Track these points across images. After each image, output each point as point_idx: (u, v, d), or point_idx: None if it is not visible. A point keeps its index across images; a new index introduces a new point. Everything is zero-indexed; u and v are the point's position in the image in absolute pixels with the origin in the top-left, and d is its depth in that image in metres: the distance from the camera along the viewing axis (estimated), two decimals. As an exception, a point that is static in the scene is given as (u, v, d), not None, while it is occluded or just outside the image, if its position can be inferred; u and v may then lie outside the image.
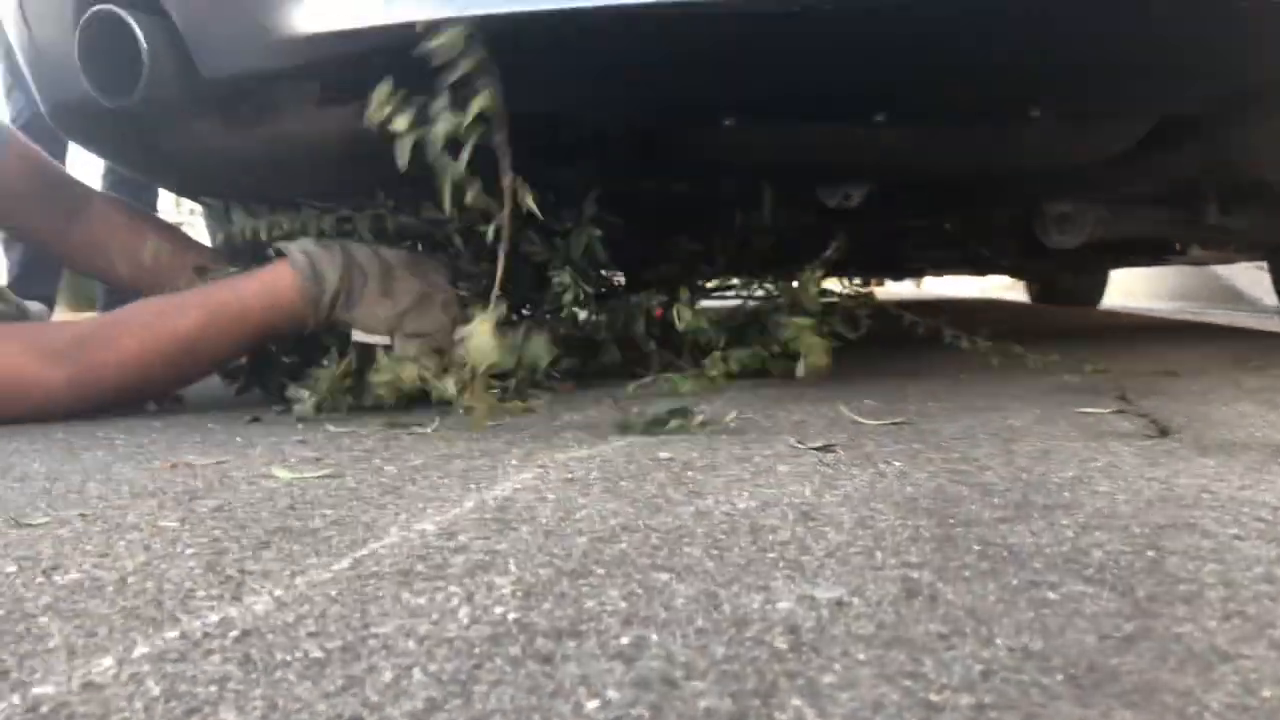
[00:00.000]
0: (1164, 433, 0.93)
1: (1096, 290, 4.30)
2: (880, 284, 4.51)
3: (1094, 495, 0.68)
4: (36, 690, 0.39)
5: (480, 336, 0.94)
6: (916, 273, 3.73)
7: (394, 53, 1.21)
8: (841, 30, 1.13)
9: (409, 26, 1.16)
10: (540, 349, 1.09)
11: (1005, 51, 1.21)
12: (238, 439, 1.04)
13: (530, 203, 1.09)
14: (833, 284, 1.66)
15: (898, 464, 0.80)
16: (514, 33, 1.08)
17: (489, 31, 1.05)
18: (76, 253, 1.47)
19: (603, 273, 1.50)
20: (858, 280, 1.67)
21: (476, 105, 1.00)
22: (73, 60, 1.32)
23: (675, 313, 1.30)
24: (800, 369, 1.24)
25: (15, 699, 0.39)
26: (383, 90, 1.06)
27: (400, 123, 1.03)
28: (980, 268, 3.53)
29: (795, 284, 1.35)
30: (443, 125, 1.02)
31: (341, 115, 1.37)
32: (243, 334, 1.22)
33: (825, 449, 0.87)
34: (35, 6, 1.37)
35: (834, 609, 0.47)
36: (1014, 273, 4.41)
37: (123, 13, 1.27)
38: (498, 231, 1.11)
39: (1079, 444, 0.87)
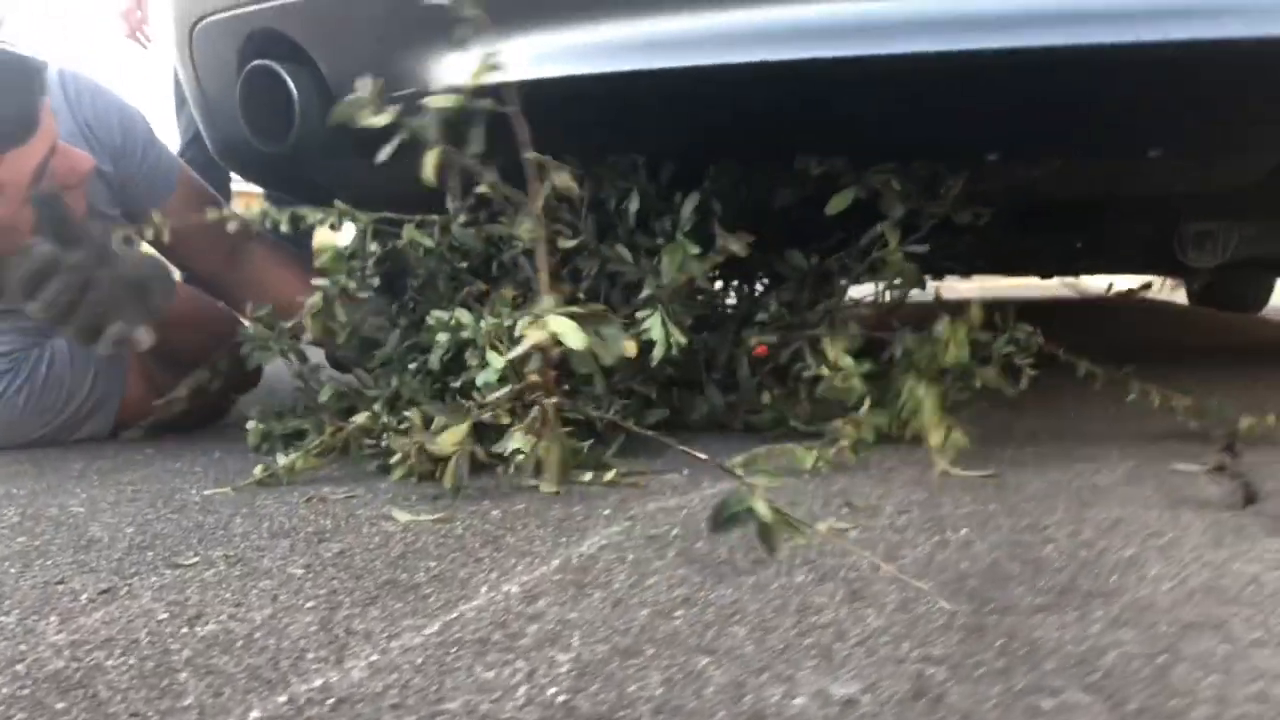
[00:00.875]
0: (1250, 500, 0.93)
1: (1261, 295, 4.12)
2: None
3: (1140, 582, 0.71)
4: (169, 753, 0.49)
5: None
6: (1069, 272, 3.63)
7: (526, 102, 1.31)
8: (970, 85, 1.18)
9: (542, 81, 1.25)
10: (617, 341, 1.00)
11: (1122, 104, 1.23)
12: (373, 466, 1.14)
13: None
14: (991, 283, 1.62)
15: (965, 531, 0.84)
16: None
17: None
18: (234, 290, 1.58)
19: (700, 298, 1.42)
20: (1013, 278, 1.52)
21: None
22: (236, 108, 1.45)
23: (808, 360, 1.25)
24: (939, 461, 1.08)
25: (152, 761, 0.48)
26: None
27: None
28: (1130, 271, 3.44)
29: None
30: None
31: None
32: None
33: (901, 511, 0.92)
34: (204, 60, 1.51)
35: (843, 707, 0.52)
36: (1170, 276, 4.25)
37: (278, 67, 1.40)
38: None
39: (1154, 513, 0.89)
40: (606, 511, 0.93)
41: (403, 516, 0.93)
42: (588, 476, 1.05)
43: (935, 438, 1.10)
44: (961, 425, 1.13)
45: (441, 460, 1.03)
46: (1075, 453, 1.17)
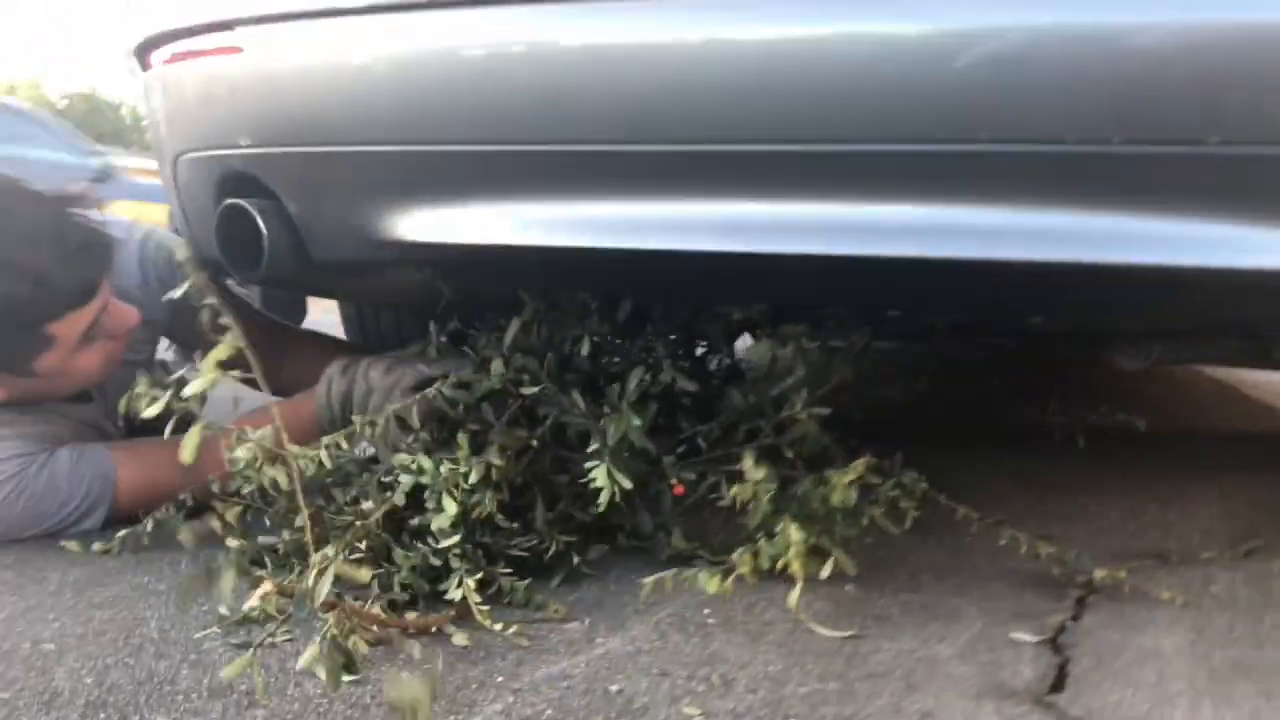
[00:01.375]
0: (1057, 685, 1.07)
1: (1228, 346, 4.25)
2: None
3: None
4: None
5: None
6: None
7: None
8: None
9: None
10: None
11: (997, 292, 1.38)
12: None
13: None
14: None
15: (792, 723, 0.99)
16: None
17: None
18: (286, 387, 1.77)
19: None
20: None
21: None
22: (213, 237, 1.61)
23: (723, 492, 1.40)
24: (791, 596, 1.22)
25: None
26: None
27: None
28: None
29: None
30: None
31: (424, 277, 1.64)
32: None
33: (750, 689, 1.06)
34: (186, 189, 1.67)
35: None
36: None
37: (250, 207, 1.55)
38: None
39: (962, 704, 1.03)
40: (500, 679, 1.08)
41: (325, 675, 1.08)
42: (498, 626, 1.20)
43: (799, 583, 1.23)
44: (857, 554, 1.31)
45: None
46: (939, 606, 1.30)
